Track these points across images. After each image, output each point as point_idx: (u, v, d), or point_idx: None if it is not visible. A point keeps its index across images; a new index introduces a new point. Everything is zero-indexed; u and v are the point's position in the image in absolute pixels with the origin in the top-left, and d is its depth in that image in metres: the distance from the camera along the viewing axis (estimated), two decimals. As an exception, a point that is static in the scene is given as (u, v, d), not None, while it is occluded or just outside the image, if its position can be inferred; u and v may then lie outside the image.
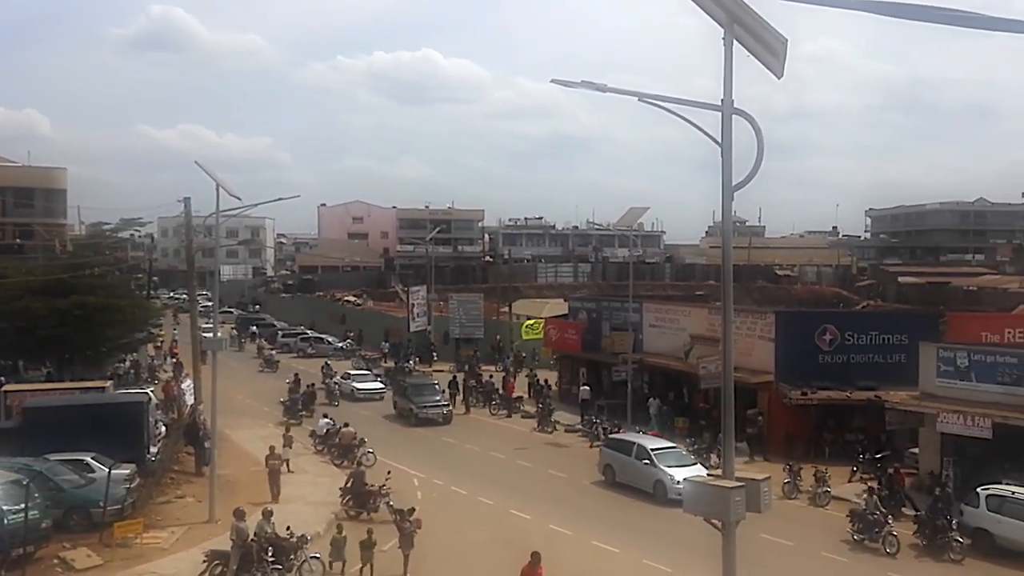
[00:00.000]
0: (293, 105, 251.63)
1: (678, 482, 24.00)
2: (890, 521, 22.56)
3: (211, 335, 28.02)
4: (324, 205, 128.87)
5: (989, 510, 22.04)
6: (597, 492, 28.14)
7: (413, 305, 62.01)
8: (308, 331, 68.13)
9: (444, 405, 39.38)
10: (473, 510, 25.75)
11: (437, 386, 41.11)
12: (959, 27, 6.05)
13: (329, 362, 51.63)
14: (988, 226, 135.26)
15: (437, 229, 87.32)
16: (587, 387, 41.86)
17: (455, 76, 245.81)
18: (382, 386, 45.60)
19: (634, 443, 28.70)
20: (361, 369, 50.07)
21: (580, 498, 27.42)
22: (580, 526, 23.73)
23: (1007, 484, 23.20)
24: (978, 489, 22.83)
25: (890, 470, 26.46)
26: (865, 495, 23.94)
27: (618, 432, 32.41)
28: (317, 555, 19.73)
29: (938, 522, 22.03)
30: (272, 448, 27.15)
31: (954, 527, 21.90)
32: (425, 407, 38.67)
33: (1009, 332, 32.05)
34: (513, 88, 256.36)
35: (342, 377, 46.52)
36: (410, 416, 38.67)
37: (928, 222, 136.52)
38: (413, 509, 20.61)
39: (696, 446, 30.57)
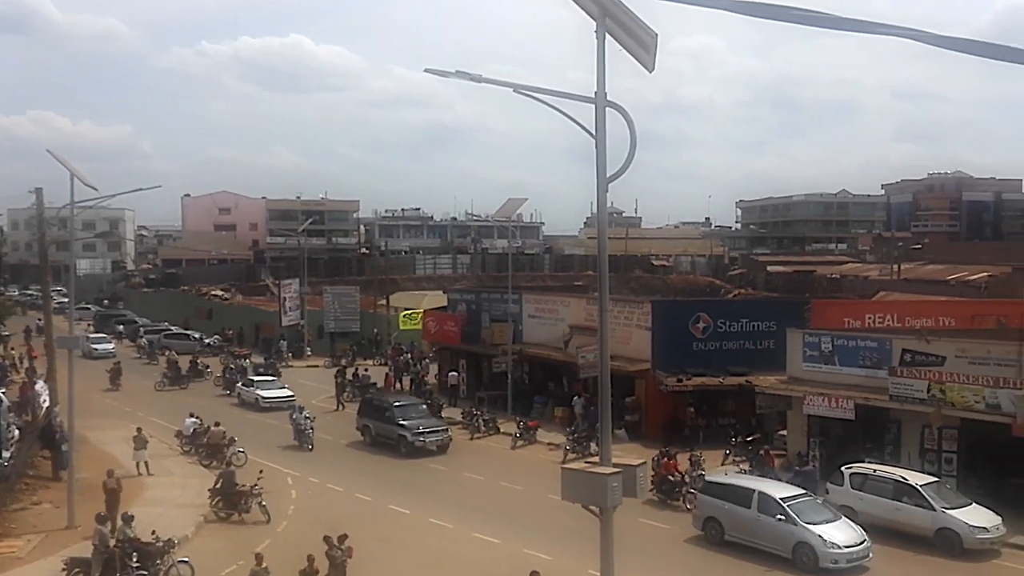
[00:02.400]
0: (155, 91, 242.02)
1: (834, 545, 20.11)
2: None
3: (87, 335, 26.53)
4: (189, 196, 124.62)
5: (853, 488, 23.38)
6: (473, 482, 28.40)
7: (285, 299, 60.78)
8: (172, 327, 65.76)
9: (443, 430, 32.90)
10: (350, 506, 25.60)
11: (424, 406, 34.79)
12: (819, 27, 6.43)
13: (232, 365, 47.91)
14: (850, 217, 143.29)
15: (309, 220, 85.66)
16: (454, 373, 43.02)
17: (327, 63, 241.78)
18: (291, 393, 41.20)
19: (753, 491, 21.86)
20: (267, 373, 45.94)
21: (452, 487, 27.65)
22: (461, 518, 23.93)
23: (869, 462, 24.76)
24: (842, 468, 24.20)
25: (761, 452, 27.72)
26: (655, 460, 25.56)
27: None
28: (186, 559, 19.20)
29: None
30: (110, 472, 24.12)
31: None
32: (421, 434, 31.85)
33: (870, 318, 34.10)
34: (388, 77, 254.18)
35: (244, 384, 43.09)
36: (398, 446, 31.81)
37: (794, 213, 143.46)
38: (345, 536, 18.38)
39: (576, 434, 31.18)
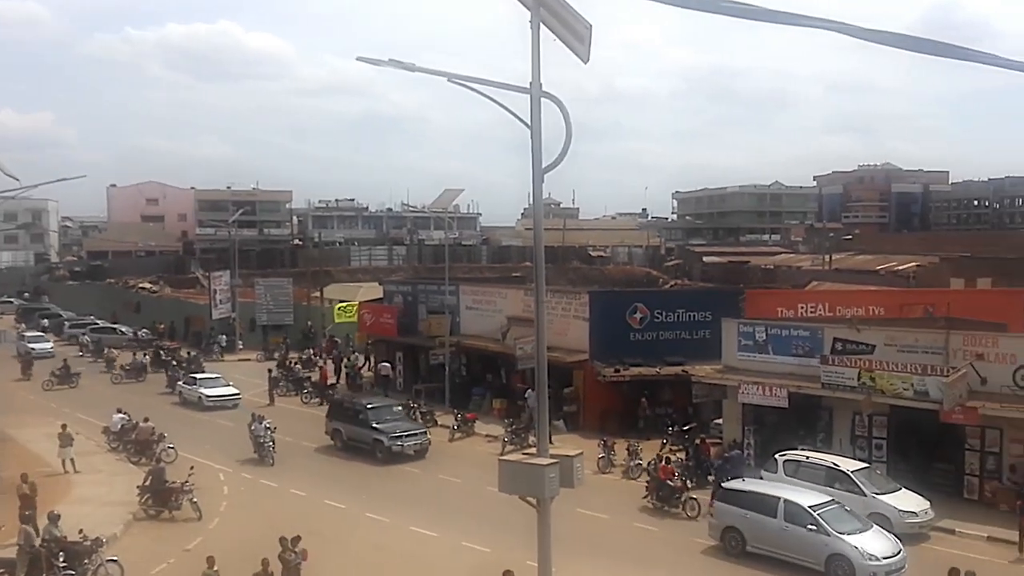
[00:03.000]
0: (78, 79, 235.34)
1: (872, 556, 18.96)
2: (689, 486, 24.48)
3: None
4: (115, 186, 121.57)
5: (786, 475, 23.88)
6: (410, 476, 28.33)
7: (215, 291, 59.76)
8: (99, 321, 64.16)
9: (422, 433, 31.16)
10: (284, 502, 25.35)
11: (399, 407, 32.97)
12: (750, 20, 6.54)
13: (176, 363, 46.15)
14: (783, 208, 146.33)
15: (240, 211, 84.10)
16: (387, 364, 43.01)
17: (257, 51, 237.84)
18: (236, 392, 39.88)
19: (779, 498, 20.60)
20: (209, 371, 44.08)
21: (388, 481, 27.54)
22: (398, 512, 23.86)
23: (802, 449, 25.36)
24: (776, 455, 24.75)
25: (697, 441, 28.18)
26: (651, 464, 25.64)
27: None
28: (115, 558, 18.81)
29: (723, 478, 24.13)
30: (24, 476, 22.99)
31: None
32: (399, 437, 30.15)
33: (802, 307, 34.77)
34: (321, 65, 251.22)
35: (185, 382, 41.13)
36: (374, 451, 30.20)
37: (729, 204, 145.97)
38: (298, 537, 17.87)
39: (514, 426, 31.30)
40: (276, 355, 48.93)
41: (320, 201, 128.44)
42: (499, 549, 20.30)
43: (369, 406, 31.63)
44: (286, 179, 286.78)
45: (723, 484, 22.43)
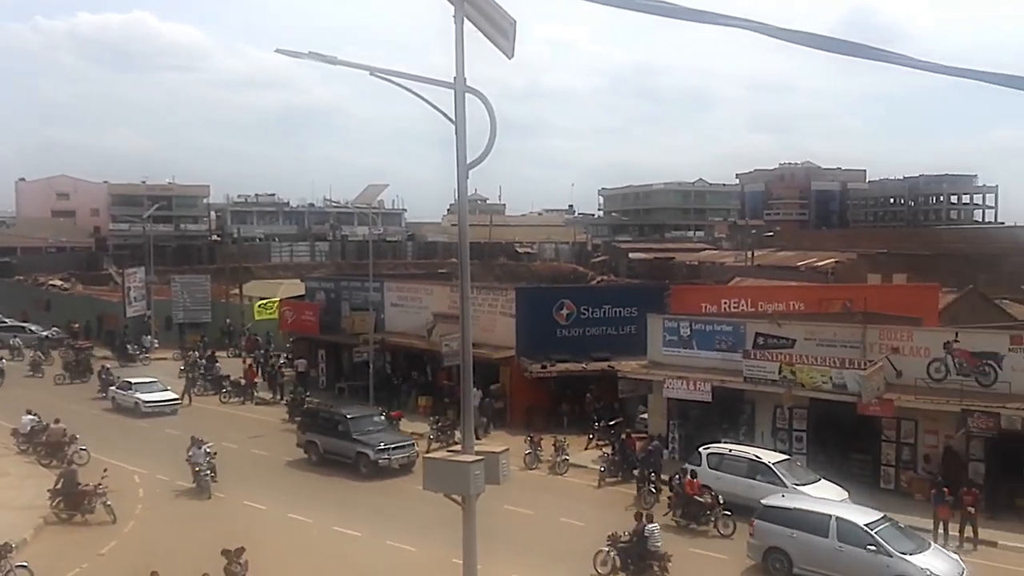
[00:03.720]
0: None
1: None
2: (721, 501, 22.84)
3: None
4: (23, 180, 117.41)
5: (710, 467, 24.43)
6: (333, 476, 28.10)
7: (130, 288, 58.17)
8: (6, 319, 61.90)
9: (409, 445, 28.74)
10: (200, 503, 24.91)
11: (380, 416, 30.72)
12: (669, 18, 6.66)
13: (109, 366, 43.67)
14: (707, 205, 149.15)
15: (156, 206, 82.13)
16: (302, 360, 42.91)
17: (173, 42, 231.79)
18: (175, 397, 38.08)
19: (830, 516, 19.26)
20: (145, 375, 41.32)
21: (310, 482, 27.30)
22: (320, 513, 23.64)
23: (725, 442, 25.96)
24: (700, 448, 25.26)
25: (623, 436, 28.58)
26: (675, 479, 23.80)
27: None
28: (24, 564, 18.25)
29: (644, 471, 24.90)
30: None
31: (653, 477, 24.92)
32: (386, 450, 27.76)
33: (725, 303, 35.69)
34: (241, 57, 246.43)
35: (119, 387, 38.73)
36: (357, 465, 27.89)
37: (654, 201, 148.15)
38: (242, 549, 17.13)
39: (440, 423, 31.27)
40: (194, 354, 47.87)
41: (239, 196, 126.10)
42: (425, 547, 20.30)
43: (350, 416, 29.26)
44: (204, 173, 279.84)
45: (763, 502, 20.76)
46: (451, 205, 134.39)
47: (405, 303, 41.45)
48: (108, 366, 43.74)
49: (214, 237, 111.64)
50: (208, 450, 26.35)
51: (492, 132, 10.14)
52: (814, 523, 19.23)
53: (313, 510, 23.97)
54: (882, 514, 19.68)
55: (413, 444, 28.68)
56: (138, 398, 37.38)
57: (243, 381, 41.23)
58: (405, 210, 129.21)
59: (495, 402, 33.96)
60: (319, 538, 21.88)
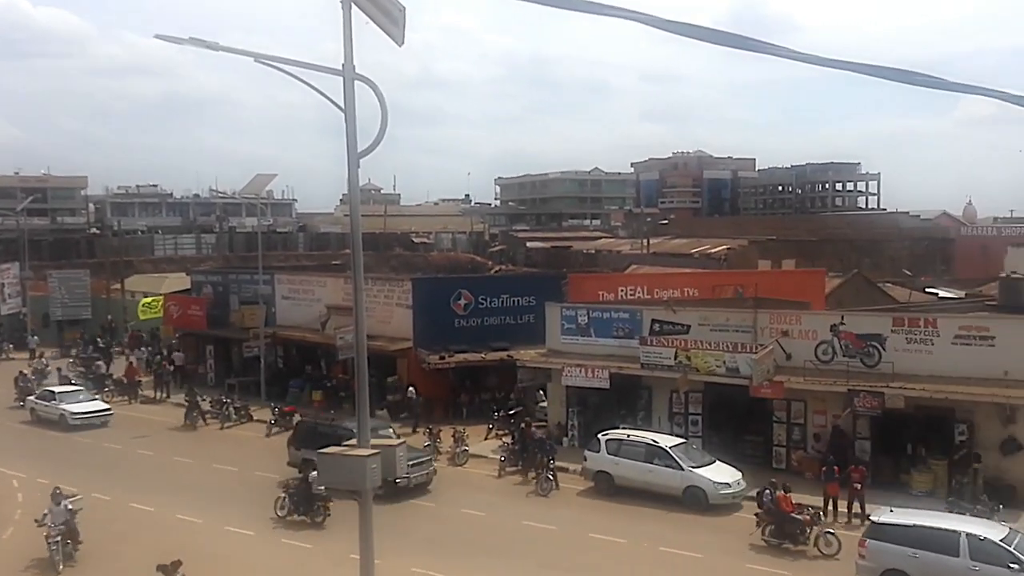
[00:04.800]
0: None
1: None
2: (822, 519, 21.58)
3: None
4: None
5: (609, 453, 24.92)
6: (225, 474, 27.51)
7: (3, 284, 55.75)
8: None
9: (428, 461, 25.98)
10: (87, 505, 24.03)
11: (389, 429, 26.96)
12: (556, 8, 6.73)
13: (26, 371, 40.49)
14: (603, 194, 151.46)
15: (30, 198, 78.41)
16: (179, 354, 42.46)
17: (47, 27, 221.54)
18: (106, 406, 35.00)
19: (958, 533, 17.34)
20: (71, 383, 38.21)
21: (200, 480, 26.66)
22: (210, 512, 23.12)
23: (623, 427, 26.47)
24: (599, 435, 25.70)
25: (522, 425, 28.83)
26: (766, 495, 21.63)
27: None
28: None
29: (541, 459, 25.34)
30: None
31: (550, 465, 25.26)
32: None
33: (622, 290, 36.32)
34: (119, 43, 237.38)
35: (40, 397, 35.49)
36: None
37: (551, 190, 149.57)
38: (179, 562, 16.20)
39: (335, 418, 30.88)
40: (72, 352, 46.04)
41: (119, 187, 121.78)
42: (322, 544, 20.11)
43: (355, 428, 26.32)
44: (81, 164, 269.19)
45: (873, 519, 18.94)
46: (344, 195, 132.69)
47: (297, 296, 40.84)
48: (26, 372, 40.58)
49: (93, 230, 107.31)
50: (70, 506, 20.33)
51: (383, 120, 10.08)
52: (940, 541, 17.40)
53: (199, 508, 23.39)
54: (1009, 527, 18.28)
55: (432, 460, 26.14)
56: (64, 409, 33.90)
57: (126, 380, 39.91)
58: (296, 200, 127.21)
59: (392, 394, 33.80)
60: (207, 534, 21.38)
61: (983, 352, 23.44)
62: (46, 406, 34.76)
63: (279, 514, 22.29)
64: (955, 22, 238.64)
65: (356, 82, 10.38)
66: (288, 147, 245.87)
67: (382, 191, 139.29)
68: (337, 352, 33.52)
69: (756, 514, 21.12)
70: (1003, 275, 41.67)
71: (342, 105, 10.16)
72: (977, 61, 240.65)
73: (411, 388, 33.07)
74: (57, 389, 35.90)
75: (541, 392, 31.94)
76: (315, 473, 20.22)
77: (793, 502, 20.77)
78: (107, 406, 35.11)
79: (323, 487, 20.62)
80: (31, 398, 36.16)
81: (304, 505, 22.15)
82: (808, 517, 20.51)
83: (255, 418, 34.05)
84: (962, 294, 45.48)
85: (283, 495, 22.52)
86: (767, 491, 21.38)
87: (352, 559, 12.58)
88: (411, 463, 23.88)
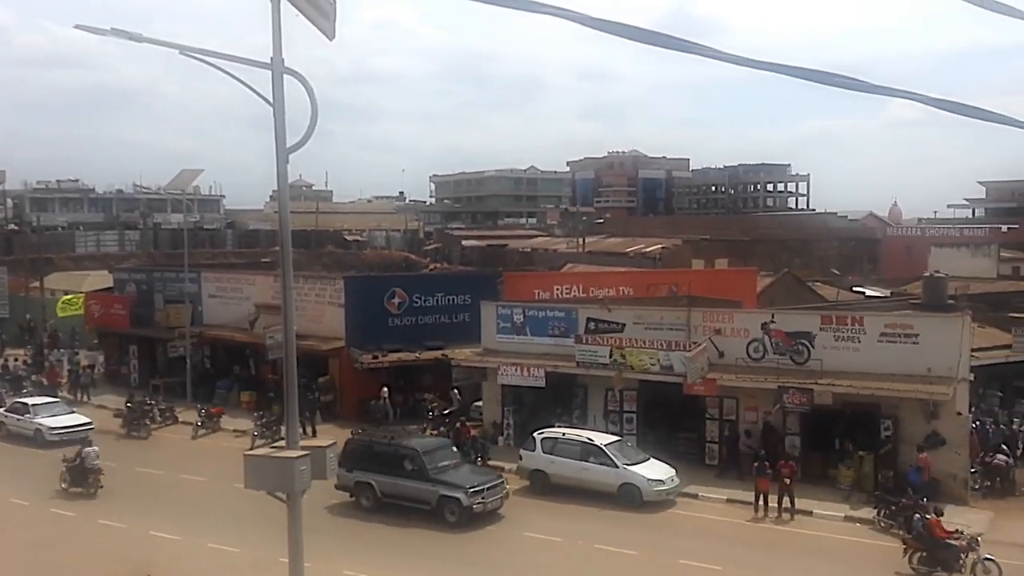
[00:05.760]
0: None
1: None
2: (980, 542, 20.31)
3: None
4: None
5: (544, 452, 25.04)
6: (149, 477, 26.96)
7: (-87, 284, 53.66)
8: None
9: (500, 483, 23.42)
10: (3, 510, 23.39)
11: (454, 449, 25.08)
12: (488, 4, 6.75)
13: None
14: (539, 192, 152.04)
15: (-59, 192, 75.91)
16: (92, 353, 42.07)
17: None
18: (87, 420, 31.61)
19: None
20: (46, 395, 34.90)
21: (123, 484, 26.04)
22: (135, 516, 22.64)
23: (559, 426, 26.64)
24: (534, 434, 25.81)
25: (457, 424, 28.79)
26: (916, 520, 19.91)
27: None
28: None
29: (476, 458, 25.92)
30: None
31: (485, 464, 25.71)
32: (479, 492, 22.49)
33: (558, 289, 36.59)
34: (41, 33, 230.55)
35: (10, 410, 32.53)
36: (440, 512, 22.39)
37: (487, 188, 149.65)
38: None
39: (264, 419, 30.50)
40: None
41: (39, 182, 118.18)
42: (250, 548, 19.83)
43: (422, 450, 23.39)
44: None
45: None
46: (274, 191, 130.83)
47: (225, 294, 40.23)
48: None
49: (11, 226, 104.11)
50: None
51: (313, 115, 10.00)
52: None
53: (122, 512, 22.88)
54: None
55: (503, 480, 23.78)
56: (41, 424, 31.06)
57: (46, 382, 38.81)
58: (224, 196, 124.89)
59: (324, 395, 33.47)
60: (131, 540, 20.92)
61: (907, 349, 24.16)
62: (19, 420, 31.93)
63: (63, 487, 25.00)
64: (880, 27, 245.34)
65: (285, 76, 10.28)
66: (216, 142, 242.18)
67: (314, 187, 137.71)
68: (266, 352, 33.11)
69: (904, 540, 19.68)
70: (926, 274, 42.88)
71: (270, 99, 10.04)
72: (901, 66, 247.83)
73: (385, 389, 32.70)
74: (30, 401, 32.87)
75: (456, 391, 32.14)
76: (89, 450, 25.10)
77: (945, 527, 19.35)
78: (87, 420, 31.68)
79: (96, 462, 24.86)
80: (0, 411, 33.10)
81: (79, 477, 24.90)
82: (964, 543, 19.10)
83: (181, 420, 33.39)
84: (887, 293, 46.85)
85: (63, 469, 25.16)
86: (917, 516, 19.81)
87: (281, 563, 12.45)
88: (487, 485, 22.69)
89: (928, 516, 19.64)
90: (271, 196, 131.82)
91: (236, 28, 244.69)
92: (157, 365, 40.56)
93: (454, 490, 22.29)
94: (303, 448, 9.75)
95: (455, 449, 24.85)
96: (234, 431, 31.89)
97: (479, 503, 22.29)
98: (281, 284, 10.59)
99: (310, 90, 9.96)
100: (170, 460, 28.79)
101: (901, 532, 20.59)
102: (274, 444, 11.87)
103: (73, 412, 32.70)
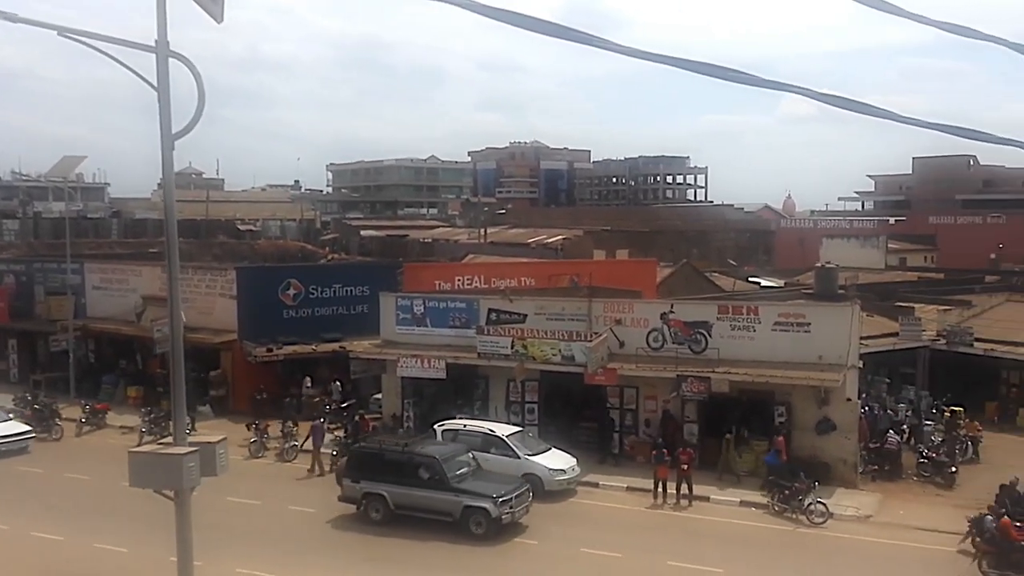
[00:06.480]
0: None
1: None
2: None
3: None
4: None
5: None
6: (29, 476, 25.91)
7: None
8: None
9: (526, 490, 22.02)
10: None
11: (470, 454, 23.19)
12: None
13: None
14: (440, 182, 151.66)
15: None
16: None
17: None
18: (27, 428, 29.40)
19: None
20: None
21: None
22: (14, 517, 21.71)
23: (460, 418, 26.64)
24: (434, 426, 25.74)
25: (356, 417, 28.50)
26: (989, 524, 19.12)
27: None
28: None
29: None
30: None
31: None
32: (508, 501, 21.06)
33: (459, 280, 36.52)
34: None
35: None
36: (465, 523, 20.93)
37: (386, 178, 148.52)
38: None
39: (153, 415, 29.64)
40: None
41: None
42: (139, 548, 19.30)
43: (441, 456, 21.96)
44: None
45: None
46: (161, 179, 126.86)
47: (110, 286, 39.08)
48: None
49: None
50: None
51: (200, 101, 9.74)
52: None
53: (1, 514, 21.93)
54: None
55: (528, 488, 22.33)
56: None
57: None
58: (109, 184, 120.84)
59: (216, 389, 32.73)
60: (9, 541, 20.06)
61: (800, 338, 25.01)
62: None
63: None
64: (778, 27, 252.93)
65: (172, 60, 9.97)
66: (100, 128, 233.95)
67: (204, 175, 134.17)
68: (154, 345, 32.14)
69: (975, 543, 19.00)
70: (818, 265, 44.58)
71: (155, 84, 9.73)
72: (797, 65, 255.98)
73: (308, 379, 32.28)
74: None
75: (338, 383, 32.00)
76: None
77: (1012, 526, 18.60)
78: (27, 428, 29.43)
79: None
80: None
81: None
82: None
83: (64, 416, 32.13)
84: (782, 283, 48.36)
85: None
86: (987, 517, 19.13)
87: (171, 562, 12.13)
88: (515, 494, 21.33)
89: (998, 518, 18.87)
90: (159, 184, 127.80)
91: (123, 11, 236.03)
92: (38, 359, 39.16)
93: (480, 500, 20.90)
94: (191, 444, 9.50)
95: (470, 454, 23.08)
96: (121, 428, 30.94)
97: (507, 513, 21.02)
98: (168, 275, 10.29)
99: (197, 74, 9.69)
100: (52, 458, 27.76)
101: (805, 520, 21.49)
102: (162, 440, 11.57)
103: (9, 419, 29.77)
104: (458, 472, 21.66)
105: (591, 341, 26.21)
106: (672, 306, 27.17)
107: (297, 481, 25.65)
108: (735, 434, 25.24)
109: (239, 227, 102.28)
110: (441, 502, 21.27)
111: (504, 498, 20.94)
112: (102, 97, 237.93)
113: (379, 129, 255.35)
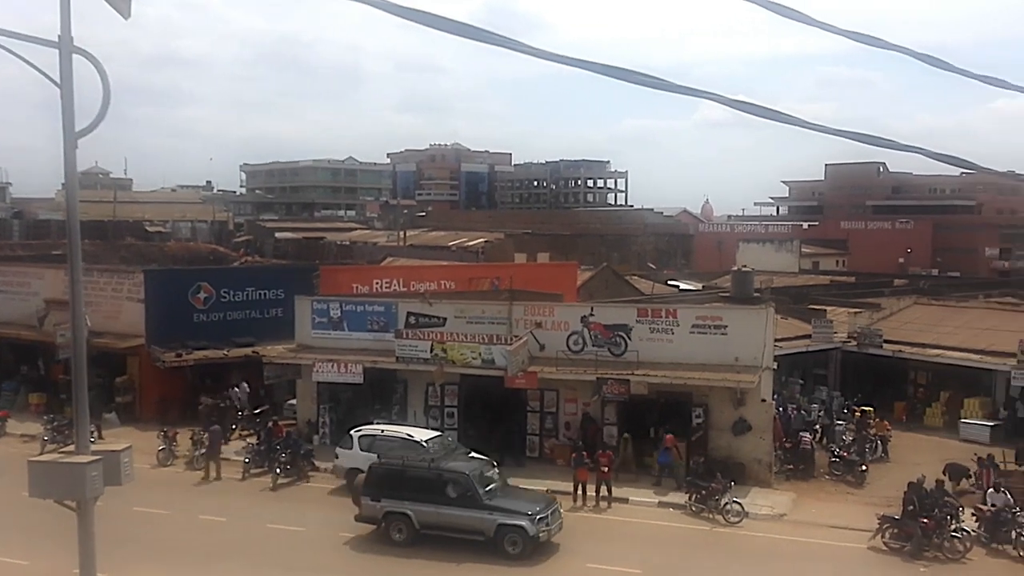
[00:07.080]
0: None
1: None
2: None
3: None
4: None
5: (362, 449, 24.70)
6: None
7: None
8: None
9: (557, 508, 21.21)
10: None
11: (496, 469, 22.30)
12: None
13: None
14: (358, 184, 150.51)
15: None
16: None
17: None
18: None
19: None
20: None
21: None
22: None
23: (378, 423, 26.45)
24: (351, 431, 25.51)
25: (269, 424, 28.07)
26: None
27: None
28: None
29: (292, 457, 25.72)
30: None
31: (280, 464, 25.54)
32: (544, 519, 20.29)
33: (378, 283, 36.29)
34: None
35: None
36: (499, 543, 20.03)
37: (302, 179, 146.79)
38: None
39: (56, 422, 28.70)
40: None
41: None
42: (40, 561, 18.71)
43: (471, 472, 20.92)
44: None
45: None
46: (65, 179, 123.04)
47: (9, 289, 37.96)
48: None
49: None
50: None
51: (105, 98, 9.51)
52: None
53: None
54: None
55: (559, 505, 21.58)
56: None
57: None
58: (10, 184, 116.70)
59: (122, 396, 31.89)
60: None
61: (717, 340, 25.58)
62: None
63: None
64: (687, 32, 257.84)
65: (75, 56, 9.73)
66: (1, 125, 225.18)
67: (111, 175, 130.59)
68: (57, 351, 31.22)
69: (884, 540, 19.83)
70: (735, 268, 45.56)
71: (58, 80, 9.48)
72: (709, 69, 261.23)
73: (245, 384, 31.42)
74: None
75: (245, 385, 31.68)
76: None
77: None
78: None
79: None
80: None
81: None
82: None
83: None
84: (699, 286, 49.34)
85: None
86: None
87: (74, 575, 11.80)
88: (550, 512, 20.52)
89: None
90: (63, 184, 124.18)
91: (27, 6, 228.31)
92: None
93: (516, 517, 20.00)
94: (95, 452, 9.25)
95: (495, 468, 22.35)
96: (22, 436, 29.91)
97: (544, 531, 20.23)
98: (70, 277, 10.01)
99: (102, 71, 9.47)
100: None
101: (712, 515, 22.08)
102: (64, 449, 11.22)
103: None
104: (488, 488, 20.79)
105: (511, 344, 26.33)
106: (592, 309, 27.48)
107: (195, 487, 25.15)
108: (653, 435, 25.66)
109: (148, 228, 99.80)
110: (472, 520, 20.27)
111: (540, 515, 20.20)
112: (3, 93, 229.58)
113: (295, 130, 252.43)
